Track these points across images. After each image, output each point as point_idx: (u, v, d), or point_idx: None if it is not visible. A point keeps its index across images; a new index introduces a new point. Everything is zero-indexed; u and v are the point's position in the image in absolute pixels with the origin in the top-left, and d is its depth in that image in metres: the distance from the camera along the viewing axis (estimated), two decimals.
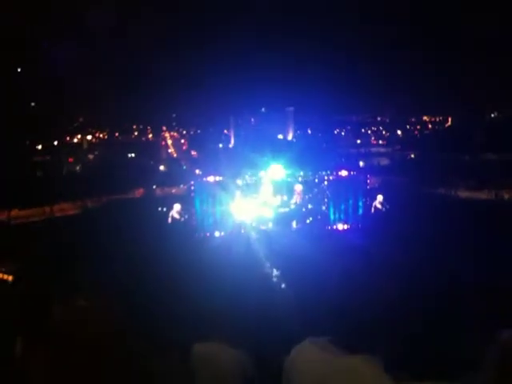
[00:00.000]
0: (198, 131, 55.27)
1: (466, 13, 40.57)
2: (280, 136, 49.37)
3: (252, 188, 11.78)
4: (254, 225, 10.84)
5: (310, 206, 11.64)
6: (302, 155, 19.64)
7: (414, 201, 13.83)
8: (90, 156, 42.05)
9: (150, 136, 54.65)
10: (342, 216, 11.77)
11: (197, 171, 21.96)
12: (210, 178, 11.94)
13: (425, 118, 54.23)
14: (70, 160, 37.67)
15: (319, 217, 11.58)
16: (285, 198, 11.62)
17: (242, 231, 10.70)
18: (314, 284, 2.10)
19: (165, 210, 12.21)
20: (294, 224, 11.22)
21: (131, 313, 1.98)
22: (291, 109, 50.44)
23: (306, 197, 11.75)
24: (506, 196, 17.03)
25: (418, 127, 53.64)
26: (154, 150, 45.70)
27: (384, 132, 54.49)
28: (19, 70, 28.83)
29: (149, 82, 44.27)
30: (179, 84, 47.76)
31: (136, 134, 54.15)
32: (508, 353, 1.72)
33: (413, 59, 45.95)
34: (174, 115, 55.71)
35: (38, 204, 16.36)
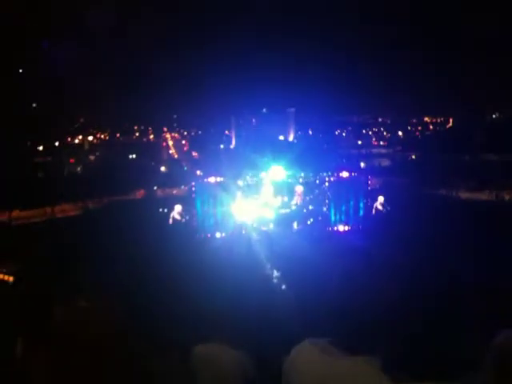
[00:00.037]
0: (199, 132, 55.20)
1: (466, 13, 40.53)
2: (281, 137, 49.33)
3: (253, 189, 11.80)
4: (254, 226, 10.84)
5: (310, 207, 11.65)
6: (303, 156, 19.66)
7: (414, 202, 13.82)
8: (91, 157, 41.97)
9: (151, 137, 54.53)
10: (342, 217, 11.77)
11: (198, 172, 21.95)
12: (211, 179, 11.96)
13: (426, 118, 54.11)
14: (71, 161, 37.65)
15: (320, 218, 11.58)
16: (286, 199, 11.63)
17: (243, 232, 10.71)
18: (315, 285, 2.10)
19: (166, 210, 12.22)
20: (294, 225, 11.22)
21: (132, 314, 1.98)
22: (292, 110, 50.39)
23: (307, 198, 11.76)
24: (507, 197, 16.99)
25: (419, 128, 53.50)
26: (154, 151, 45.62)
27: (385, 133, 54.35)
28: (20, 70, 28.85)
29: (150, 83, 44.21)
30: (180, 85, 47.64)
31: (137, 134, 54.09)
32: (507, 353, 1.72)
33: (413, 60, 45.91)
34: (175, 116, 55.64)
35: (39, 205, 16.34)
